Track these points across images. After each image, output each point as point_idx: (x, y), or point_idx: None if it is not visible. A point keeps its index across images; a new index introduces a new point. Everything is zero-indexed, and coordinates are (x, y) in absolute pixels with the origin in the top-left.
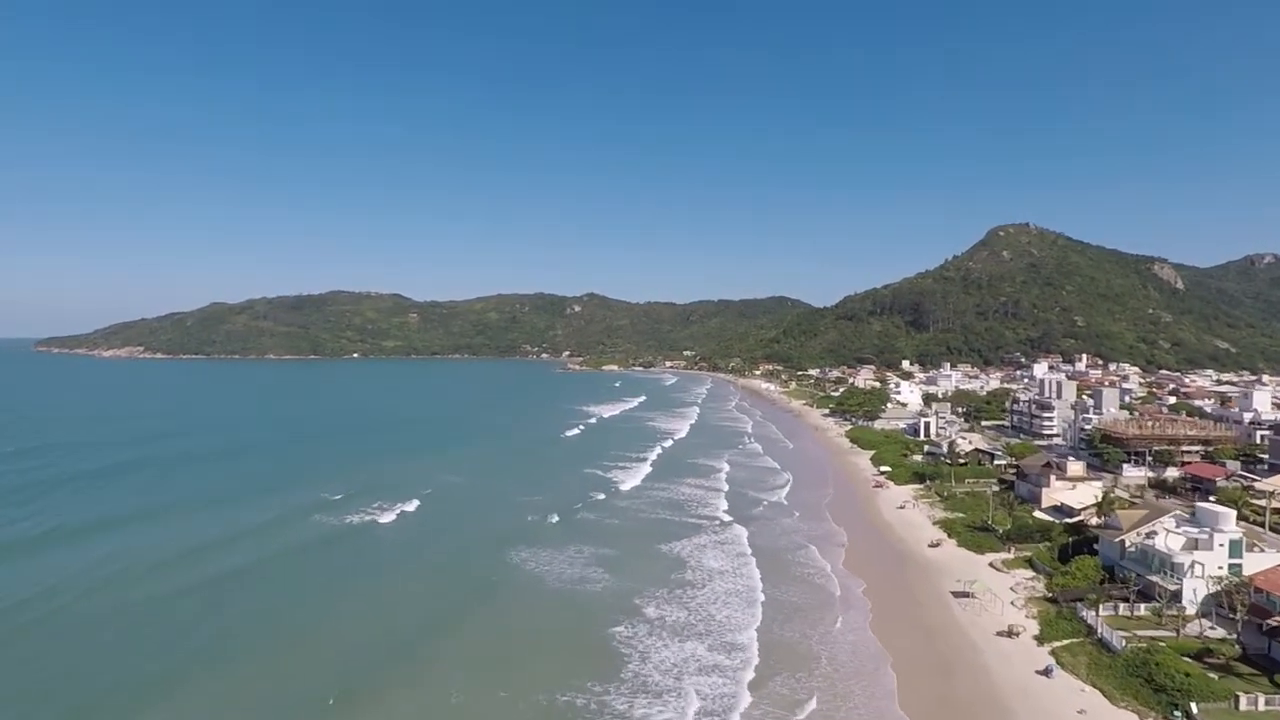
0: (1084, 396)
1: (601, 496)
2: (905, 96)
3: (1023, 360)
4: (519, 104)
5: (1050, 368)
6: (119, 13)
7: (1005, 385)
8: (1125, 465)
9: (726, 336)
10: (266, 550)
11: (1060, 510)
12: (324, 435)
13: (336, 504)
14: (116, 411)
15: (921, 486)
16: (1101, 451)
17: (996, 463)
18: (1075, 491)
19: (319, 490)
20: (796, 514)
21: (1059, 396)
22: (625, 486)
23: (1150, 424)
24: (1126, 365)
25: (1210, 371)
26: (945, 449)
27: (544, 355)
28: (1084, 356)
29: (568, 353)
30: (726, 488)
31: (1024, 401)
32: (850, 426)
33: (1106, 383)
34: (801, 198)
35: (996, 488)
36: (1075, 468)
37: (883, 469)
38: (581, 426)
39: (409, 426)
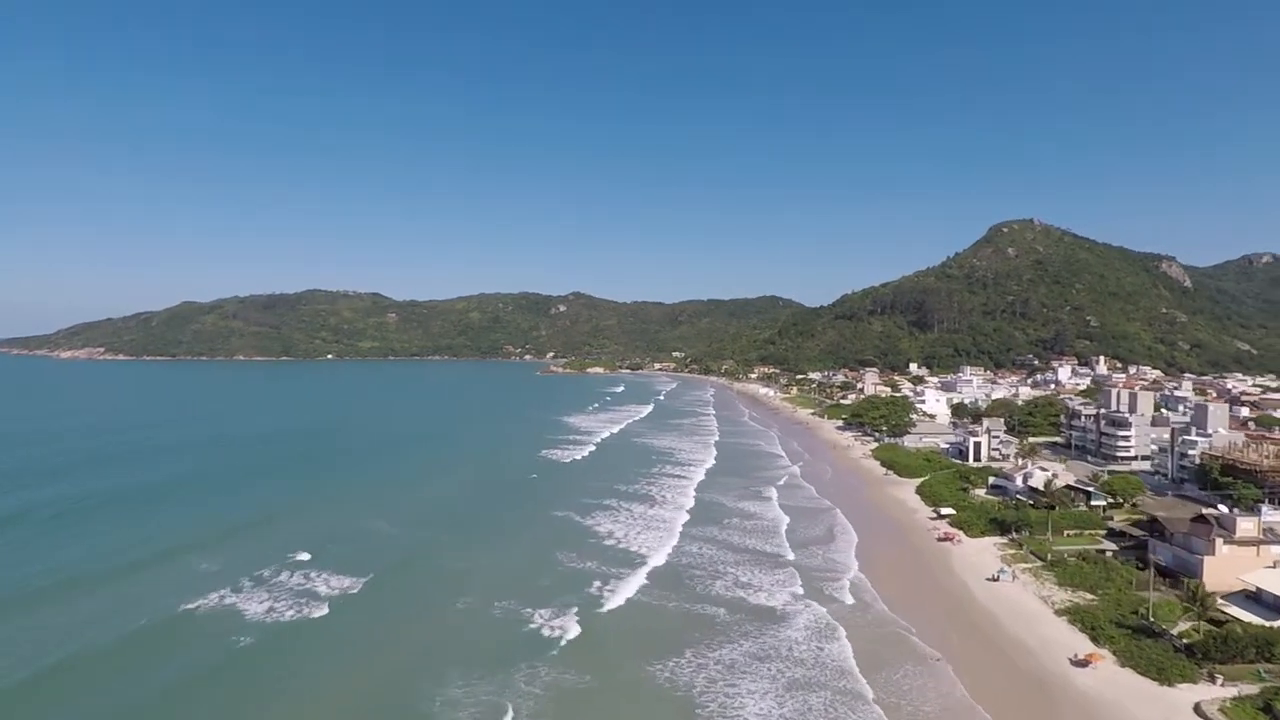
0: (1163, 410)
1: (619, 580)
2: (897, 92)
3: (1036, 363)
4: (502, 100)
5: (1073, 372)
6: (84, 7)
7: (1046, 393)
8: (1264, 506)
9: (718, 337)
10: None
11: (1260, 601)
12: (261, 465)
13: (233, 589)
14: (13, 432)
15: (1006, 540)
16: (1227, 488)
17: (1093, 503)
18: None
19: (221, 561)
20: (878, 599)
21: (1133, 410)
22: (653, 561)
23: None
24: (1147, 368)
25: (1239, 375)
26: (1021, 483)
27: (528, 356)
28: (1101, 359)
29: (552, 354)
30: (791, 555)
31: (1086, 415)
32: (875, 444)
33: (1208, 393)
34: (791, 195)
35: (1114, 546)
36: (1246, 525)
37: (944, 511)
38: (580, 452)
39: (362, 455)
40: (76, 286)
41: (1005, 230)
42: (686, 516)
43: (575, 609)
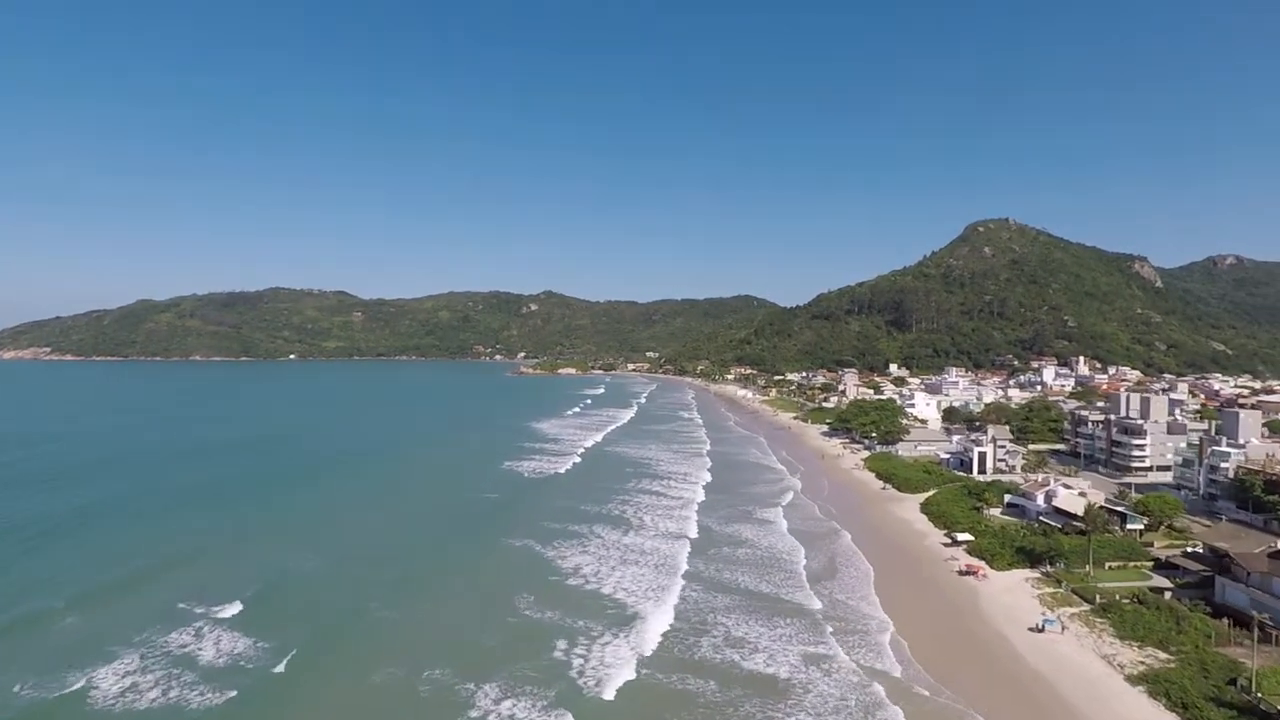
0: (1177, 416)
1: (603, 644)
2: (872, 94)
3: (1015, 363)
4: (475, 98)
5: (1056, 374)
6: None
7: (1034, 395)
8: None
9: (692, 337)
10: None
11: None
12: (183, 487)
13: (103, 663)
14: None
15: (1038, 575)
16: (1271, 507)
17: (1130, 527)
18: None
19: (100, 620)
20: (913, 660)
21: (1146, 416)
22: (653, 618)
23: None
24: (1127, 369)
25: (1218, 376)
26: (1043, 502)
27: (498, 356)
28: (1081, 359)
29: (523, 354)
30: (817, 603)
31: (1094, 422)
32: (866, 453)
33: (1197, 394)
34: (766, 195)
35: (1167, 583)
36: None
37: (959, 536)
38: (559, 466)
39: (304, 472)
40: (27, 283)
41: (981, 229)
42: (688, 550)
43: (554, 691)
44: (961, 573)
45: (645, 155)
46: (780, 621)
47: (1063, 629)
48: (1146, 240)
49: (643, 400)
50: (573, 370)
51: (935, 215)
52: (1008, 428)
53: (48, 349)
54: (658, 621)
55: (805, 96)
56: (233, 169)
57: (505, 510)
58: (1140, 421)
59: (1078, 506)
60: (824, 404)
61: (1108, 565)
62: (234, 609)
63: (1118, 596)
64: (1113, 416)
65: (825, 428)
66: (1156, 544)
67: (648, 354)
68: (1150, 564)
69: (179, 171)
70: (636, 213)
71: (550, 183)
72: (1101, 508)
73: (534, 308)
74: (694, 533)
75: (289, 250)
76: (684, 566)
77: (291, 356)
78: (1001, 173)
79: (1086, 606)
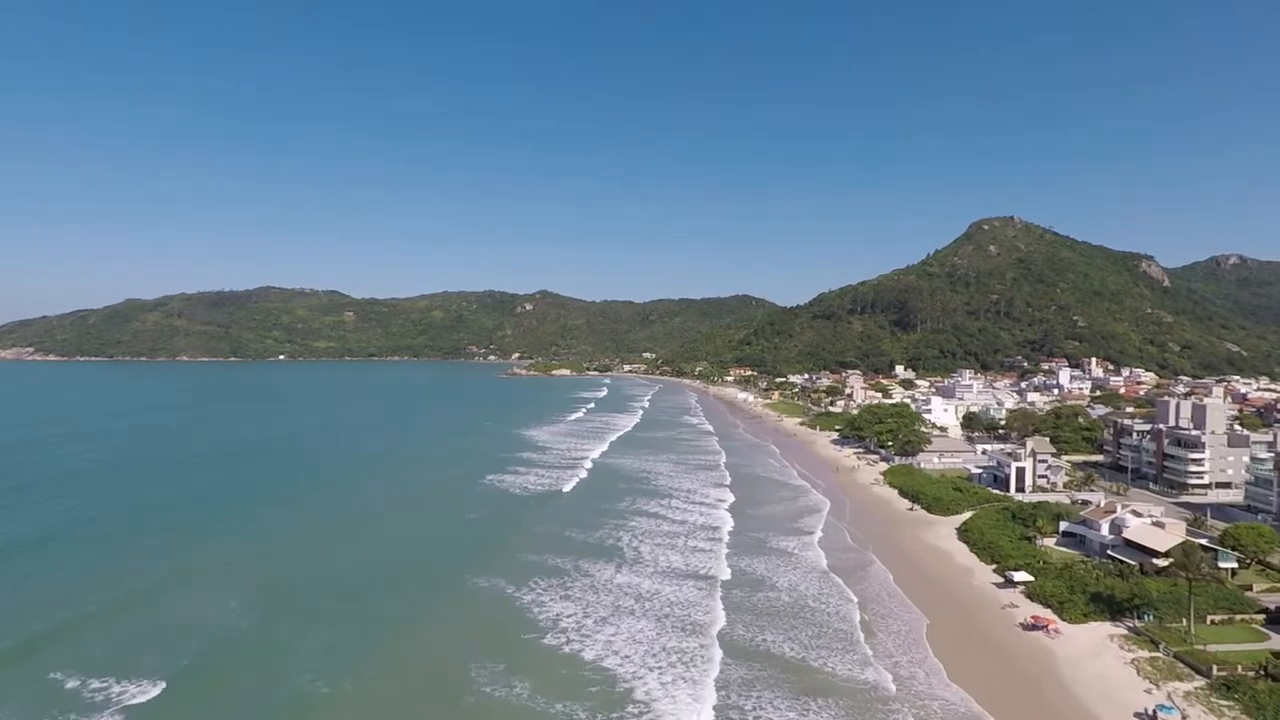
0: (1235, 426)
1: None
2: (872, 93)
3: (1025, 365)
4: (470, 96)
5: (1072, 378)
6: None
7: (1053, 399)
8: None
9: (690, 338)
10: None
11: None
12: (107, 511)
13: None
14: None
15: (1124, 632)
16: None
17: (1221, 565)
18: None
19: None
20: None
21: (1201, 426)
22: None
23: None
24: (1140, 371)
25: (1237, 378)
26: (1109, 532)
27: (492, 357)
28: (1093, 361)
29: (517, 354)
30: (891, 684)
31: (1140, 432)
32: (883, 465)
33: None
34: (765, 194)
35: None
36: None
37: (1015, 576)
38: (565, 485)
39: (259, 490)
40: (15, 283)
41: (986, 227)
42: (718, 594)
43: None
44: (1027, 626)
45: (642, 153)
46: (833, 703)
47: (1183, 718)
48: (1148, 239)
49: (645, 404)
50: (567, 371)
51: (938, 213)
52: (1048, 439)
53: (30, 349)
54: (673, 712)
55: (806, 94)
56: (225, 167)
57: (485, 536)
58: (1196, 432)
59: (1159, 541)
60: (830, 408)
61: (1208, 619)
62: (153, 690)
63: (1239, 667)
64: (1162, 426)
65: (834, 435)
66: (1255, 587)
67: (644, 355)
68: (1261, 616)
69: (170, 169)
70: (633, 211)
71: (546, 181)
72: (1186, 542)
73: (529, 307)
74: (736, 576)
75: (281, 249)
76: (719, 622)
77: (281, 357)
78: (1004, 171)
79: (1201, 681)
